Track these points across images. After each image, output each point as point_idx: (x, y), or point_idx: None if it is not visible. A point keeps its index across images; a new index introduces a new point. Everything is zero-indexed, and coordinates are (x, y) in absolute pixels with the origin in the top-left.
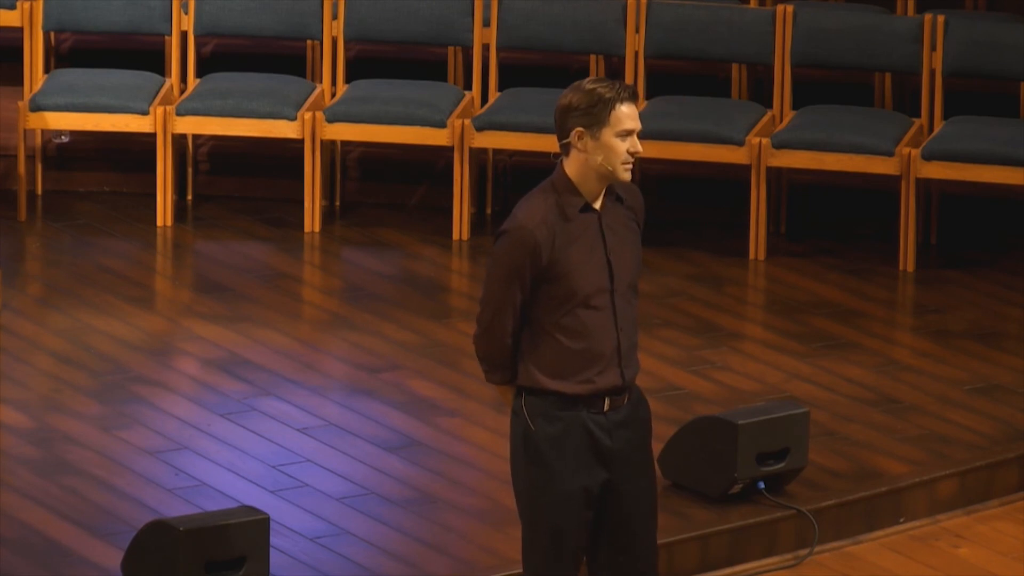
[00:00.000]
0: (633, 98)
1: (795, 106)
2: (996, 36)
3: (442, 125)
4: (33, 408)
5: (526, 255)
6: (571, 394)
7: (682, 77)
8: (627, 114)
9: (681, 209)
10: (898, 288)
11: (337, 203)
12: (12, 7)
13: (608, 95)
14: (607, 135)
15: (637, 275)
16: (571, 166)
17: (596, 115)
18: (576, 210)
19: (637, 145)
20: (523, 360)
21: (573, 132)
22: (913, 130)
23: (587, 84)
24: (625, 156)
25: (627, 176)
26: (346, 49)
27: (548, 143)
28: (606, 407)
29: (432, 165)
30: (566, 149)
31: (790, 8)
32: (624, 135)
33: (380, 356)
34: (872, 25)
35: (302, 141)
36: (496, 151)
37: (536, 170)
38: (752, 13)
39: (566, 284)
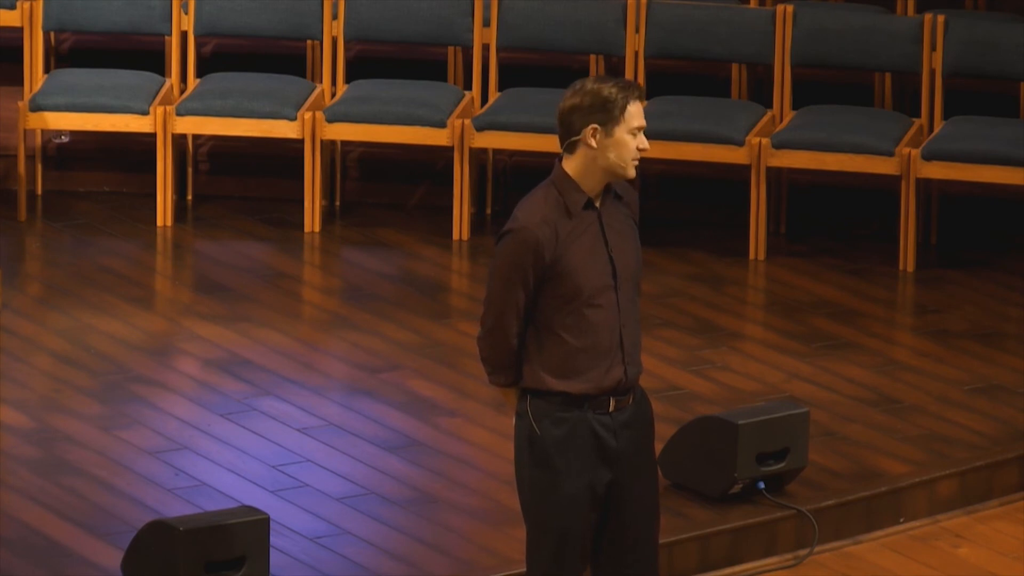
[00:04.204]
0: (643, 95)
1: (795, 106)
2: (996, 36)
3: (442, 125)
4: (33, 408)
5: (529, 254)
6: (577, 394)
7: (682, 77)
8: (639, 111)
9: (681, 209)
10: (898, 288)
11: (337, 203)
12: (12, 7)
13: (620, 93)
14: (620, 132)
15: (639, 272)
16: (573, 164)
17: (610, 112)
18: (579, 207)
19: (645, 142)
20: (529, 362)
21: (588, 129)
22: (913, 130)
23: (592, 84)
24: (635, 152)
25: (633, 173)
26: (346, 49)
27: (548, 143)
28: (611, 407)
29: (432, 165)
30: (572, 147)
31: (790, 8)
32: (636, 131)
33: (380, 356)
34: (872, 25)
35: (302, 141)
36: (496, 151)
37: (536, 170)
38: (752, 13)
39: (571, 281)
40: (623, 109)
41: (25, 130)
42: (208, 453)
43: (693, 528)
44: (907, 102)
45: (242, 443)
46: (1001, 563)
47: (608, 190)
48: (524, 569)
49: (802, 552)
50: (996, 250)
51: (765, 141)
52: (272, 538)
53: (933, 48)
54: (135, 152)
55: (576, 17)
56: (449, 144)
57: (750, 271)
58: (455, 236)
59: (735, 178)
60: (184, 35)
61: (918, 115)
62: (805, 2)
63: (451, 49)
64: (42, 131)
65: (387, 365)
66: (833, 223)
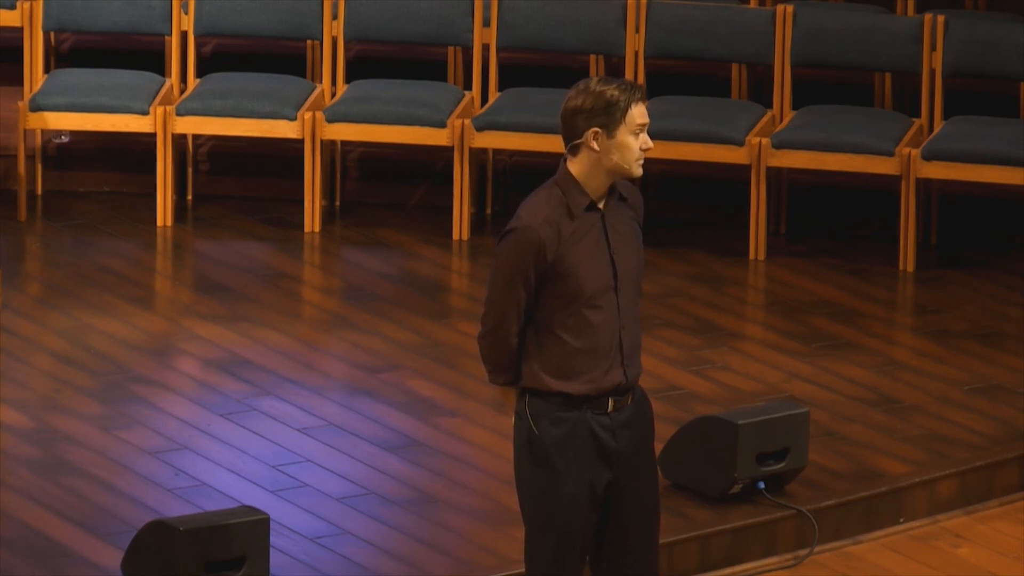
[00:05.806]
0: (644, 96)
1: (795, 106)
2: (996, 36)
3: (442, 125)
4: (33, 408)
5: (530, 253)
6: (577, 395)
7: (682, 77)
8: (641, 111)
9: (681, 209)
10: (898, 288)
11: (337, 203)
12: (12, 7)
13: (623, 95)
14: (623, 133)
15: (640, 274)
16: (577, 165)
17: (612, 115)
18: (581, 208)
19: (648, 141)
20: (528, 362)
21: (589, 132)
22: (913, 130)
23: (596, 85)
24: (639, 152)
25: (640, 171)
26: (346, 49)
27: (548, 143)
28: (610, 408)
29: (432, 165)
30: (575, 150)
31: (790, 8)
32: (638, 131)
33: (380, 356)
34: (872, 25)
35: (302, 141)
36: (496, 151)
37: (536, 170)
38: (752, 13)
39: (572, 282)
40: (625, 111)
41: (25, 130)
42: (208, 453)
43: (693, 528)
44: (907, 102)
45: (242, 443)
46: (1001, 563)
47: (612, 191)
48: (524, 569)
49: (802, 552)
50: (996, 250)
51: (765, 141)
52: (272, 538)
53: (933, 48)
54: (135, 152)
55: (576, 17)
56: (449, 144)
57: (750, 271)
58: (455, 236)
59: (735, 178)
60: (184, 35)
61: (918, 115)
62: (805, 2)
63: (451, 49)
64: (42, 131)
65: (387, 365)
66: (833, 223)
